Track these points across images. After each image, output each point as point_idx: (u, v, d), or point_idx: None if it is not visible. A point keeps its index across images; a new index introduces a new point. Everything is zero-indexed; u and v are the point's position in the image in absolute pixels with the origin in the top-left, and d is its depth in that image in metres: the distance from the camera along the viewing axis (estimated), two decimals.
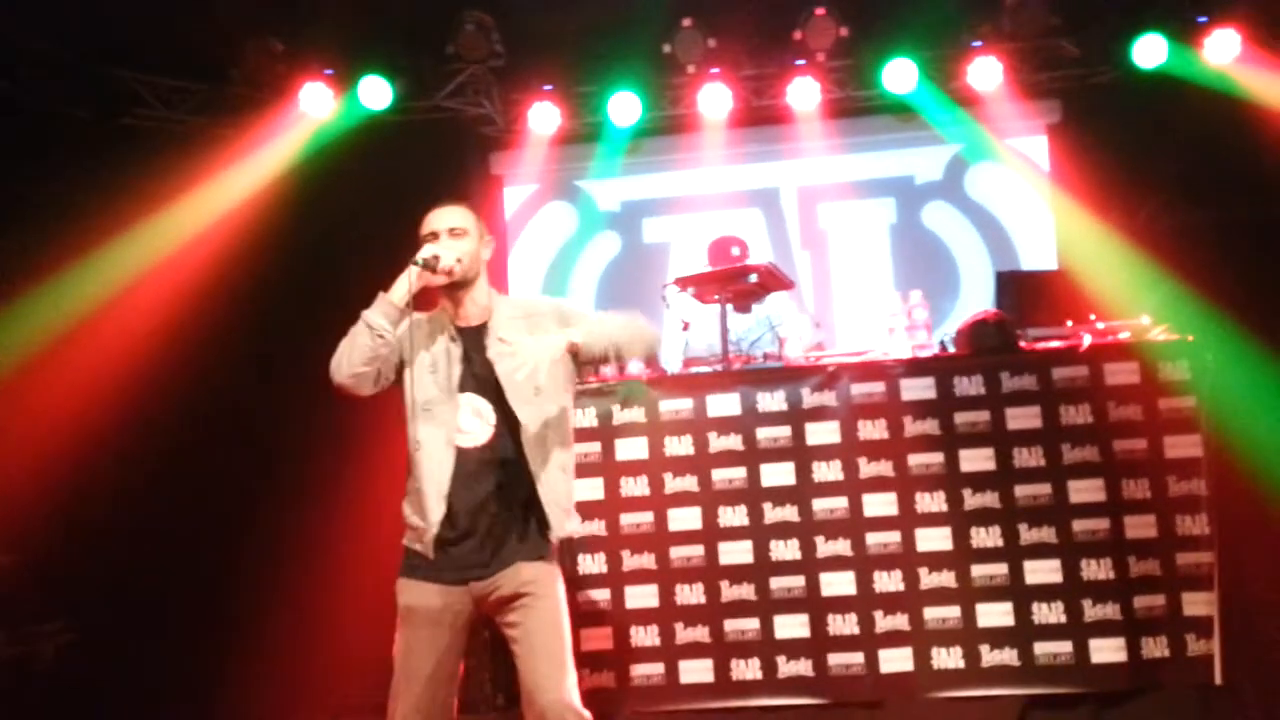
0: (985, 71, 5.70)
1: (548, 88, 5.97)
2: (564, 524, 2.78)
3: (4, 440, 4.80)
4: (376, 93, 5.75)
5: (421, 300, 2.76)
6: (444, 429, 2.73)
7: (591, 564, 4.03)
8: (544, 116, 6.00)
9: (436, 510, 2.70)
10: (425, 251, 2.72)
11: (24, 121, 5.23)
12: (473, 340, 2.80)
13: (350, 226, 5.62)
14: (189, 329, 5.15)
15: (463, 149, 6.27)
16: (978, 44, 5.72)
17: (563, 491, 2.79)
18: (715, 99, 5.87)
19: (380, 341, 2.70)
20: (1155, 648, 3.80)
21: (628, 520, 4.04)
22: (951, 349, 4.17)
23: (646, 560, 4.01)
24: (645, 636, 3.98)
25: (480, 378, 2.75)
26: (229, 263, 4.84)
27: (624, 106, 5.89)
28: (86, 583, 5.20)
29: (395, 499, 2.86)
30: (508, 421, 2.74)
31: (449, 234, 2.78)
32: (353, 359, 2.70)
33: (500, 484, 2.73)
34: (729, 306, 4.35)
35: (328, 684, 4.66)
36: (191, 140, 5.72)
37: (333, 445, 5.18)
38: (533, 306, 2.90)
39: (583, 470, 4.04)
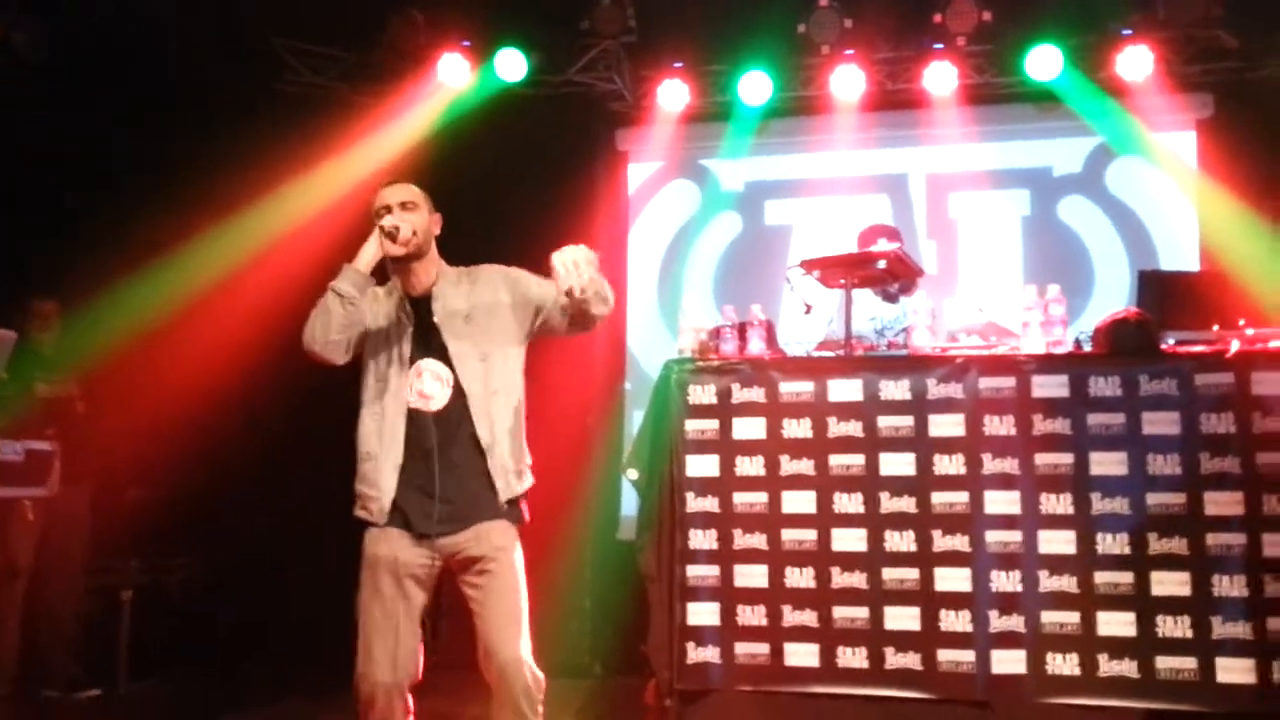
0: (1135, 61, 5.48)
1: (678, 65, 5.98)
2: (513, 486, 2.89)
3: (149, 385, 5.09)
4: (512, 65, 5.86)
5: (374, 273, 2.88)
6: (399, 397, 2.85)
7: (702, 540, 4.06)
8: (673, 94, 6.00)
9: (390, 478, 2.83)
10: (386, 221, 2.83)
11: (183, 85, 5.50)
12: (423, 309, 2.91)
13: (480, 194, 5.73)
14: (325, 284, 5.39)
15: (591, 124, 6.31)
16: (1128, 32, 5.50)
17: (510, 454, 2.89)
18: (848, 81, 5.79)
19: (352, 309, 2.83)
20: None
21: (741, 499, 4.06)
22: (1088, 347, 4.04)
23: (758, 540, 4.02)
24: (752, 616, 3.99)
25: (432, 345, 2.88)
26: (368, 226, 5.16)
27: (755, 86, 5.86)
28: (214, 521, 5.50)
29: None
30: (459, 385, 2.86)
31: (400, 208, 2.88)
32: (328, 328, 2.82)
33: (453, 448, 2.84)
34: (879, 296, 4.31)
35: None
36: (335, 106, 5.93)
37: None
38: (475, 272, 2.99)
39: (699, 447, 4.11)
